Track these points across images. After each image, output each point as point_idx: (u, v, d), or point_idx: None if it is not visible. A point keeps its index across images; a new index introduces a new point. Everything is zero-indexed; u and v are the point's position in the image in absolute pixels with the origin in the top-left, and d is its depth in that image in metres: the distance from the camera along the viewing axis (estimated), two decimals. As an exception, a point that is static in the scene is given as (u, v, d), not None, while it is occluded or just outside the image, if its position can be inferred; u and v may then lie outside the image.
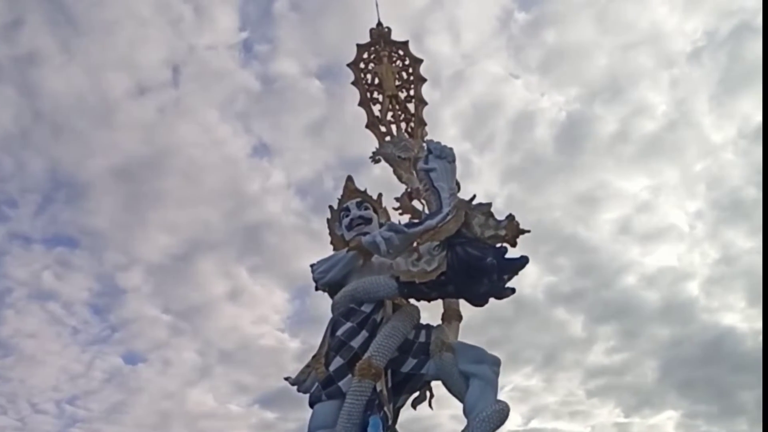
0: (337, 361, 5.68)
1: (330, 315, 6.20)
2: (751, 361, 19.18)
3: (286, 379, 6.41)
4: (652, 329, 21.32)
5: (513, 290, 5.44)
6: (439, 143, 6.19)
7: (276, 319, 25.75)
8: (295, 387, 6.29)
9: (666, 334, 21.09)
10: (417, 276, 5.57)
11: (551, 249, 21.90)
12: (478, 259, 5.36)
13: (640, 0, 22.83)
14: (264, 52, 25.14)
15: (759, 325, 20.24)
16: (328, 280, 6.19)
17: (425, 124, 7.34)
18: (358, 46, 7.82)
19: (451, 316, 6.26)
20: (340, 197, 7.12)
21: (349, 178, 7.19)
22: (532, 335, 21.70)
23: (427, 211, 6.13)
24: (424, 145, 6.99)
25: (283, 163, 25.65)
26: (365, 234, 6.45)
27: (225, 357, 24.46)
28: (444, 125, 22.96)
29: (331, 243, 7.04)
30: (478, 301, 5.58)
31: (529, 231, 5.44)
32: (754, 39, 20.77)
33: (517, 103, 23.26)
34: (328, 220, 7.12)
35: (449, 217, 5.62)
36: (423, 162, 6.15)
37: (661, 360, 20.92)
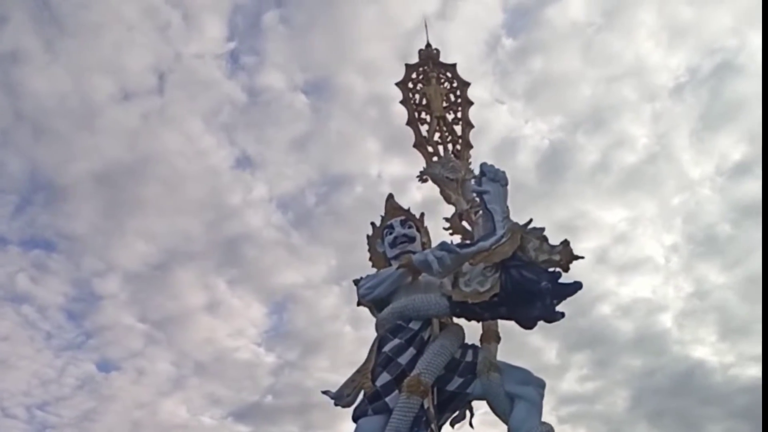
0: (384, 377, 5.77)
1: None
2: (719, 395, 20.17)
3: (325, 392, 6.51)
4: (624, 359, 21.61)
5: (563, 314, 5.54)
6: (492, 166, 6.33)
7: (253, 333, 25.88)
8: (334, 401, 6.39)
9: (638, 365, 21.34)
10: (470, 296, 5.69)
11: None
12: (533, 282, 5.48)
13: (625, 33, 22.81)
14: (251, 63, 25.36)
15: (728, 359, 21.06)
16: (374, 296, 6.30)
17: (471, 147, 7.52)
18: (407, 65, 8.03)
19: (491, 337, 6.32)
20: (382, 215, 7.26)
21: (391, 196, 7.34)
22: (507, 360, 21.82)
23: (477, 233, 6.27)
24: (472, 167, 7.20)
25: (265, 177, 25.86)
26: (408, 252, 6.60)
27: (200, 369, 24.55)
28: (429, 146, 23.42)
29: (370, 260, 7.18)
30: (528, 324, 5.68)
31: (583, 257, 5.57)
32: (734, 78, 21.46)
33: (502, 129, 23.22)
34: (368, 236, 7.27)
35: (504, 240, 5.75)
36: (476, 184, 6.28)
37: (633, 390, 21.09)
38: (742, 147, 21.85)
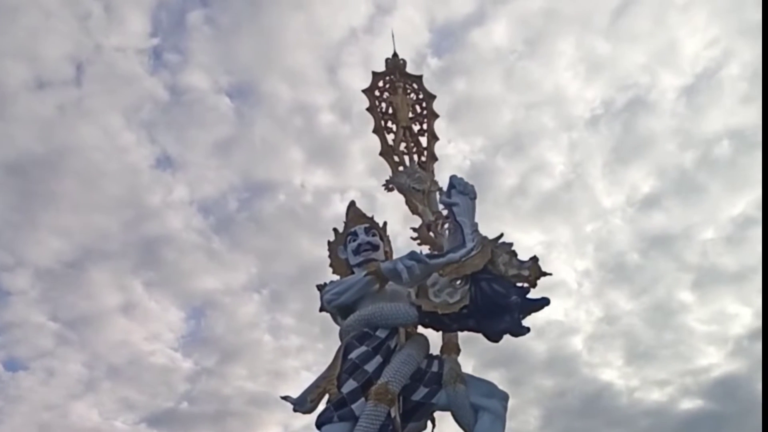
0: (351, 384, 5.79)
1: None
2: (624, 417, 21.48)
3: (285, 398, 6.46)
4: (537, 379, 22.38)
5: (528, 329, 5.74)
6: (462, 179, 6.50)
7: (169, 338, 25.38)
8: (294, 406, 6.35)
9: (550, 385, 22.17)
10: (439, 307, 5.81)
11: None
12: (503, 296, 5.67)
13: (545, 62, 23.92)
14: (174, 62, 24.97)
15: (633, 383, 22.40)
16: (340, 302, 6.32)
17: (437, 159, 7.65)
18: (374, 73, 8.11)
19: (451, 349, 6.45)
20: (345, 221, 7.29)
21: (353, 203, 7.39)
22: None
23: (445, 244, 6.41)
24: (437, 179, 7.36)
25: (186, 179, 25.60)
26: (372, 260, 6.67)
27: (113, 372, 24.03)
28: (352, 159, 23.76)
29: (331, 266, 7.19)
30: (495, 337, 5.84)
31: (551, 274, 5.82)
32: (646, 114, 23.08)
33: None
34: (330, 242, 7.28)
35: (474, 253, 5.91)
36: (446, 196, 6.43)
37: (544, 409, 21.84)
38: (651, 180, 23.43)
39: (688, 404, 21.78)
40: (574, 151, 23.83)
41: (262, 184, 26.20)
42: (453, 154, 23.84)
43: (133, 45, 23.77)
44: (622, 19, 23.13)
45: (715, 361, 22.21)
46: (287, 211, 24.72)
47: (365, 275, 6.20)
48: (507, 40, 23.79)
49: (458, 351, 6.51)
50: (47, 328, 23.66)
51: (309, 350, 24.52)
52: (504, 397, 5.98)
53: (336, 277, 7.05)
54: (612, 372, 22.98)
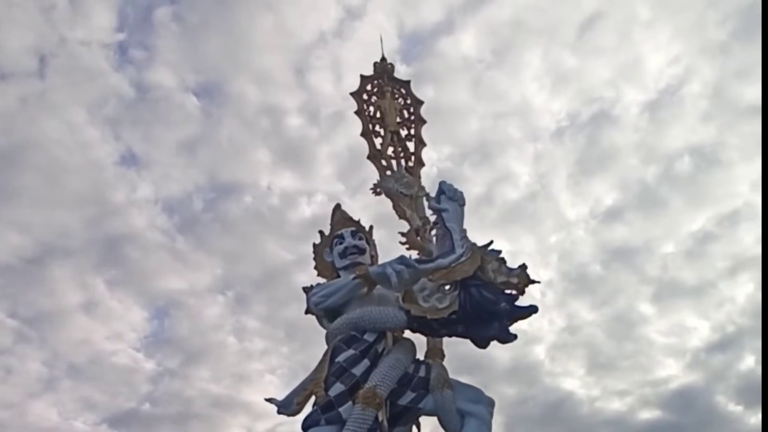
0: (338, 387, 5.81)
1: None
2: (585, 426, 21.78)
3: (269, 400, 6.45)
4: (500, 387, 22.31)
5: (516, 336, 5.85)
6: (451, 185, 6.59)
7: (132, 337, 24.82)
8: (278, 408, 6.36)
9: (512, 393, 22.21)
10: (428, 312, 5.87)
11: None
12: (492, 302, 5.76)
13: (513, 73, 24.06)
14: (140, 58, 24.50)
15: (594, 392, 22.75)
16: (328, 305, 6.34)
17: (423, 165, 7.72)
18: (362, 76, 8.14)
19: (436, 354, 6.53)
20: (331, 223, 7.31)
21: (339, 206, 7.41)
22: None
23: (433, 250, 6.48)
24: (424, 184, 7.43)
25: (151, 177, 25.13)
26: (359, 263, 6.71)
27: (74, 371, 23.49)
28: (319, 163, 23.77)
29: (316, 268, 7.19)
30: (483, 344, 5.93)
31: (539, 282, 5.94)
32: (610, 128, 23.47)
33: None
34: (315, 244, 7.29)
35: (463, 259, 5.99)
36: (435, 201, 6.51)
37: (507, 417, 22.01)
38: (614, 193, 23.81)
39: (647, 414, 22.09)
40: (540, 162, 24.08)
41: (229, 185, 25.77)
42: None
43: (98, 39, 23.24)
44: (589, 34, 23.48)
45: (674, 372, 22.62)
46: (253, 212, 24.62)
47: (354, 278, 6.22)
48: (475, 50, 23.79)
49: (443, 356, 6.58)
50: (6, 325, 22.92)
51: (273, 354, 24.52)
52: (490, 403, 6.07)
53: (321, 280, 7.07)
54: (573, 381, 23.19)
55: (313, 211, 24.59)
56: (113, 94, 23.44)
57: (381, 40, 8.49)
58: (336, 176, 24.32)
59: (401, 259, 6.04)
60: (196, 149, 24.72)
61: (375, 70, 8.24)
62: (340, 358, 5.98)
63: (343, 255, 6.89)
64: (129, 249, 24.21)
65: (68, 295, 24.21)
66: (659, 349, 22.92)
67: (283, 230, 24.24)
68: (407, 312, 5.96)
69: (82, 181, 23.69)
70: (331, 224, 7.37)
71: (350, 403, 5.70)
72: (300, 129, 23.97)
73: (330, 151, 23.82)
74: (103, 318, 24.58)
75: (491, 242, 6.06)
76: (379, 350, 6.09)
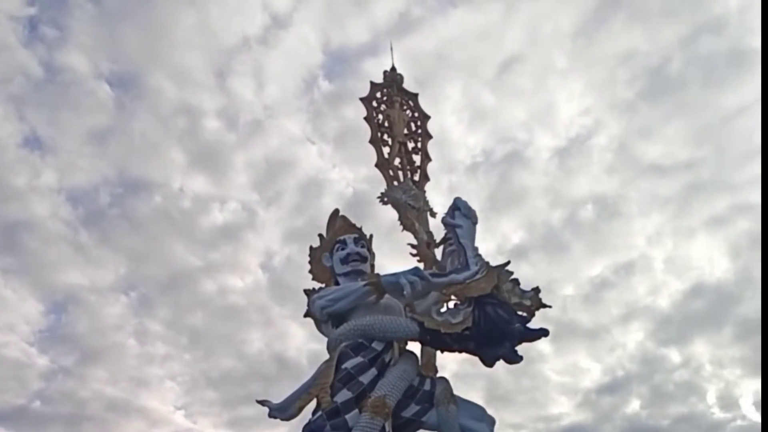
0: (345, 394, 5.80)
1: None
2: None
3: (262, 402, 6.35)
4: None
5: (522, 358, 6.04)
6: (466, 202, 6.77)
7: (25, 330, 24.35)
8: (271, 411, 6.28)
9: None
10: (442, 325, 5.97)
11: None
12: (506, 322, 5.93)
13: (432, 104, 23.79)
14: (52, 37, 23.90)
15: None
16: (335, 309, 6.33)
17: (429, 180, 7.84)
18: (372, 83, 8.23)
19: (429, 369, 6.65)
20: (331, 227, 7.31)
21: (338, 211, 7.44)
22: None
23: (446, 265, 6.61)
24: (428, 199, 7.57)
25: (56, 164, 24.64)
26: (360, 271, 6.75)
27: None
28: (235, 170, 24.08)
29: (311, 272, 7.16)
30: (490, 362, 6.06)
31: (550, 306, 6.16)
32: (521, 168, 24.60)
33: (309, 169, 24.90)
34: (312, 248, 7.26)
35: (478, 276, 6.14)
36: (449, 217, 6.66)
37: None
38: (521, 233, 24.86)
39: (540, 449, 22.86)
40: (453, 194, 24.28)
41: (138, 181, 25.31)
42: (337, 180, 24.74)
43: (6, 10, 22.58)
44: (507, 75, 24.50)
45: (566, 410, 23.52)
46: (163, 213, 24.40)
47: (365, 285, 6.24)
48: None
49: (435, 371, 6.70)
50: None
51: (175, 360, 24.23)
52: (492, 422, 6.21)
53: (316, 284, 7.04)
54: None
55: (225, 218, 24.81)
56: (20, 72, 22.71)
57: (391, 49, 8.60)
58: (251, 186, 24.79)
59: (415, 271, 6.12)
60: (106, 140, 24.23)
61: (384, 79, 8.35)
62: (348, 365, 5.97)
63: (344, 261, 6.89)
64: (27, 237, 23.64)
65: (-44, 280, 22.81)
66: (554, 386, 23.93)
67: (193, 235, 24.13)
68: (420, 324, 6.04)
69: (-19, 161, 22.51)
70: (328, 229, 7.36)
71: (357, 411, 5.71)
72: (217, 133, 24.19)
73: (247, 159, 24.36)
74: (-6, 307, 23.34)
75: (508, 262, 6.24)
76: (386, 360, 6.12)
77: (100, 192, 24.55)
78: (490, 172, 24.48)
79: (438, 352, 6.58)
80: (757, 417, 21.66)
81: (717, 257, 23.69)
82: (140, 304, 24.74)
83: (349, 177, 24.60)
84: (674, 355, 23.18)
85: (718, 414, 22.59)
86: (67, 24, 24.10)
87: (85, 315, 24.56)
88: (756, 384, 21.88)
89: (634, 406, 22.69)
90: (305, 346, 23.18)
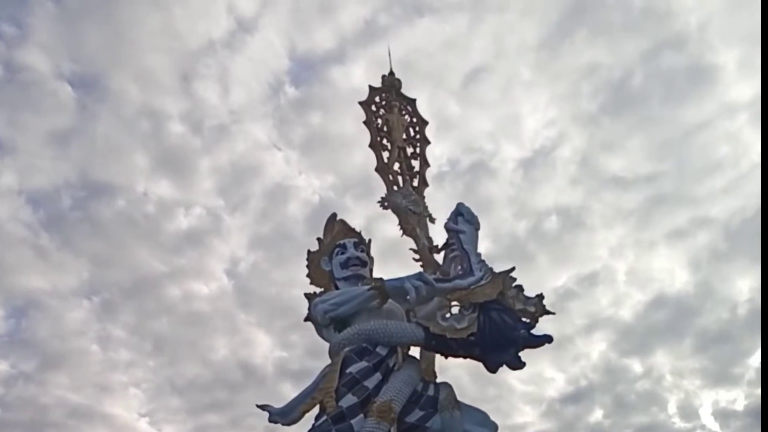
0: (350, 398, 5.79)
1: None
2: None
3: (263, 407, 6.33)
4: None
5: (525, 364, 6.11)
6: (469, 208, 6.83)
7: None
8: (271, 415, 6.26)
9: None
10: (447, 331, 6.01)
11: (287, 324, 23.20)
12: (511, 328, 6.00)
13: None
14: (11, 35, 23.59)
15: None
16: (338, 313, 6.33)
17: (428, 185, 7.88)
18: (371, 87, 8.23)
19: (429, 375, 6.67)
20: (330, 232, 7.30)
21: (335, 215, 7.44)
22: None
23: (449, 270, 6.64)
24: (427, 204, 7.61)
25: (16, 166, 24.14)
26: (360, 275, 6.77)
27: None
28: (200, 175, 23.97)
29: (308, 275, 7.13)
30: (494, 368, 6.12)
31: (554, 313, 6.24)
32: (487, 179, 24.65)
33: (276, 175, 24.84)
34: (311, 251, 7.24)
35: (483, 282, 6.20)
36: (452, 222, 6.71)
37: None
38: (487, 243, 24.56)
39: (505, 457, 23.14)
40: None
41: (101, 185, 24.89)
42: (303, 187, 24.87)
43: None
44: (473, 85, 24.52)
45: (530, 419, 23.60)
46: (126, 217, 24.02)
47: (369, 289, 6.23)
48: (364, 83, 23.95)
49: (435, 377, 6.72)
50: None
51: (139, 366, 23.89)
52: (495, 428, 6.26)
53: (313, 288, 7.02)
54: (438, 419, 24.11)
55: (190, 223, 24.57)
56: (-22, 70, 21.90)
57: (389, 54, 8.62)
58: (217, 191, 24.61)
59: (420, 276, 6.15)
60: (68, 142, 24.06)
61: (383, 83, 8.36)
62: (352, 369, 5.96)
63: (344, 265, 6.90)
64: (-13, 240, 22.62)
65: None
66: (519, 396, 24.00)
67: (158, 240, 23.88)
68: (426, 329, 6.06)
69: (-63, 158, 21.95)
70: (326, 233, 7.35)
71: (362, 415, 5.70)
72: (182, 137, 23.86)
73: (212, 164, 24.03)
74: (-49, 309, 22.83)
75: (513, 269, 6.31)
76: (391, 365, 6.13)
77: (62, 194, 24.18)
78: (456, 182, 24.17)
79: (437, 358, 6.61)
80: (716, 427, 22.35)
81: (677, 270, 24.11)
82: (103, 310, 24.33)
83: (316, 184, 24.92)
84: (636, 366, 23.55)
85: (678, 424, 22.93)
86: (27, 22, 23.65)
87: (47, 320, 24.19)
88: (715, 395, 22.59)
89: (597, 415, 23.03)
90: (271, 354, 23.78)
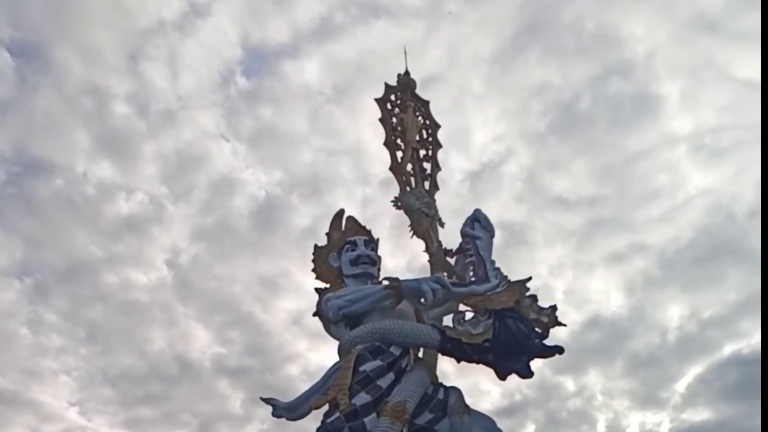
0: (363, 397, 5.82)
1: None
2: None
3: (267, 400, 6.31)
4: (303, 423, 22.91)
5: (534, 373, 6.23)
6: (485, 215, 6.94)
7: None
8: (278, 410, 6.23)
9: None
10: (463, 335, 6.09)
11: (226, 320, 23.63)
12: (526, 337, 6.13)
13: (350, 114, 23.95)
14: None
15: None
16: (352, 310, 6.35)
17: (438, 189, 7.93)
18: (387, 85, 8.25)
19: (433, 378, 6.73)
20: (338, 228, 7.30)
21: (343, 211, 7.47)
22: (192, 400, 23.02)
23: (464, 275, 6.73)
24: (438, 206, 7.68)
25: None
26: (369, 274, 6.81)
27: None
28: (143, 160, 23.41)
29: (314, 270, 7.14)
30: (504, 375, 6.22)
31: (566, 325, 6.38)
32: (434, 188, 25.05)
33: (222, 167, 24.44)
34: (318, 246, 7.26)
35: (499, 289, 6.32)
36: (469, 228, 6.81)
37: None
38: None
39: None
40: (366, 207, 24.41)
41: (38, 161, 24.05)
42: (250, 181, 24.54)
43: None
44: (425, 93, 24.43)
45: None
46: (64, 198, 23.25)
47: (385, 288, 6.26)
48: (317, 81, 23.92)
49: (437, 380, 6.77)
50: None
51: (71, 353, 23.18)
52: None
53: (318, 283, 7.03)
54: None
55: (131, 209, 23.94)
56: None
57: (405, 53, 8.64)
58: (160, 178, 24.03)
59: (437, 279, 6.22)
60: (4, 113, 23.17)
61: (398, 83, 8.38)
62: (366, 368, 5.99)
63: (354, 263, 6.93)
64: None
65: None
66: None
67: (96, 224, 23.20)
68: (442, 332, 6.12)
69: None
70: (333, 229, 7.36)
71: (374, 414, 5.74)
72: (126, 119, 23.14)
73: (156, 150, 23.41)
74: None
75: (529, 278, 6.43)
76: (403, 365, 6.19)
77: (-6, 170, 23.45)
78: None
79: (438, 362, 6.67)
80: (641, 448, 23.01)
81: (613, 292, 24.20)
82: (35, 292, 23.51)
83: (263, 179, 24.73)
84: (569, 384, 23.51)
85: (607, 443, 23.43)
86: (-37, -17, 22.81)
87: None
88: (642, 416, 23.06)
89: (529, 430, 23.39)
90: (209, 349, 23.20)
